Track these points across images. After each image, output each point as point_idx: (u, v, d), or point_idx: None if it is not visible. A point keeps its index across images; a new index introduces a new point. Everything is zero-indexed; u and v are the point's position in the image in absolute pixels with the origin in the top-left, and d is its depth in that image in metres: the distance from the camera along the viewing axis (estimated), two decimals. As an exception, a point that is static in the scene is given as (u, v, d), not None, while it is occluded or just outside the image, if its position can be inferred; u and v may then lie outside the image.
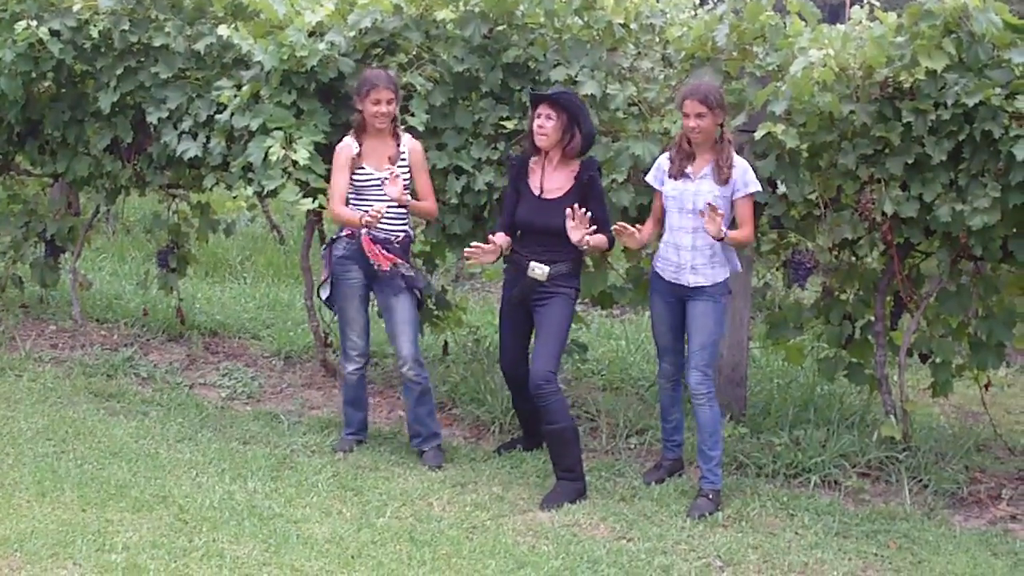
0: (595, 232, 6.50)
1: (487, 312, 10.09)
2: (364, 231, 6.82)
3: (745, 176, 6.39)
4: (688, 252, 6.45)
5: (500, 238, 6.71)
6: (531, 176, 6.72)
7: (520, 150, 7.11)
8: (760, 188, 6.44)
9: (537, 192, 6.67)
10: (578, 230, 6.44)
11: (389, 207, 6.81)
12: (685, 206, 6.44)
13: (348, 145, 6.88)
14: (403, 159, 6.89)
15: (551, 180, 6.65)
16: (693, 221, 6.43)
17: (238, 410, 7.87)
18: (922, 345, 7.14)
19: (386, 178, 6.75)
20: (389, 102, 6.76)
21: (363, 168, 6.85)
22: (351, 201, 6.91)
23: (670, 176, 6.51)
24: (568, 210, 6.45)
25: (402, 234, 6.94)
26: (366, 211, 6.71)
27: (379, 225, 6.79)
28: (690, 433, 7.18)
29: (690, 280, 6.47)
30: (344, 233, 6.97)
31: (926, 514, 6.58)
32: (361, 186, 6.87)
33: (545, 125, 6.55)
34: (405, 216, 6.95)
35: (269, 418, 7.66)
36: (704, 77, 6.81)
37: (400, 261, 6.86)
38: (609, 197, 7.03)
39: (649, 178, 6.68)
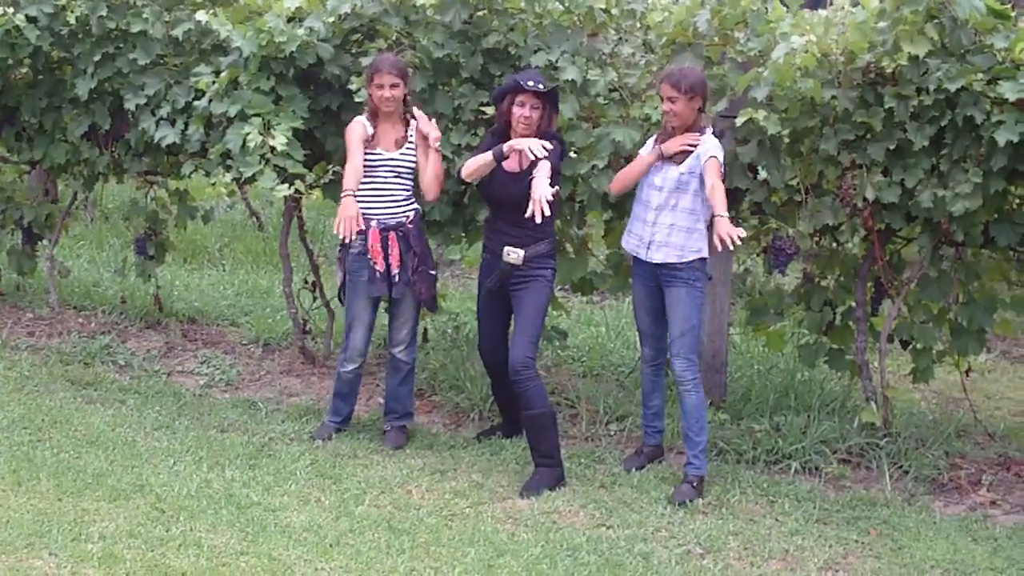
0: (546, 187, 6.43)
1: (467, 299, 10.05)
2: (374, 223, 6.83)
3: (701, 149, 6.38)
4: (649, 227, 6.51)
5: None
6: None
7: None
8: (720, 154, 6.38)
9: (510, 169, 6.65)
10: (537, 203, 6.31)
11: (394, 189, 6.87)
12: (653, 182, 6.51)
13: (360, 123, 6.89)
14: (411, 143, 6.88)
15: (523, 158, 6.62)
16: (656, 198, 6.48)
17: (216, 398, 7.83)
18: (903, 331, 7.14)
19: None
20: (393, 86, 6.76)
21: (380, 153, 6.86)
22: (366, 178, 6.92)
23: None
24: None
25: (412, 212, 6.94)
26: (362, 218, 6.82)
27: (388, 210, 6.87)
28: (671, 420, 7.18)
29: (651, 256, 6.51)
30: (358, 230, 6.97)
31: (906, 500, 6.58)
32: (370, 165, 6.87)
33: (531, 116, 6.55)
34: (411, 195, 6.95)
35: (247, 406, 7.62)
36: (685, 63, 6.79)
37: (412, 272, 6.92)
38: (589, 183, 7.03)
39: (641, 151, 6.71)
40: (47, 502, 5.98)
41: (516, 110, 6.57)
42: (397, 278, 6.90)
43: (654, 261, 6.52)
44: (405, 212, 6.91)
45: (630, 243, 6.67)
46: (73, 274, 9.75)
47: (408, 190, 6.92)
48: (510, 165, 6.66)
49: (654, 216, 6.49)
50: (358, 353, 7.11)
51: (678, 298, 6.52)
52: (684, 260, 6.48)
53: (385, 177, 6.87)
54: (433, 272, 7.03)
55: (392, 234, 6.87)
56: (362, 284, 6.96)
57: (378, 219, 6.87)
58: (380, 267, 6.87)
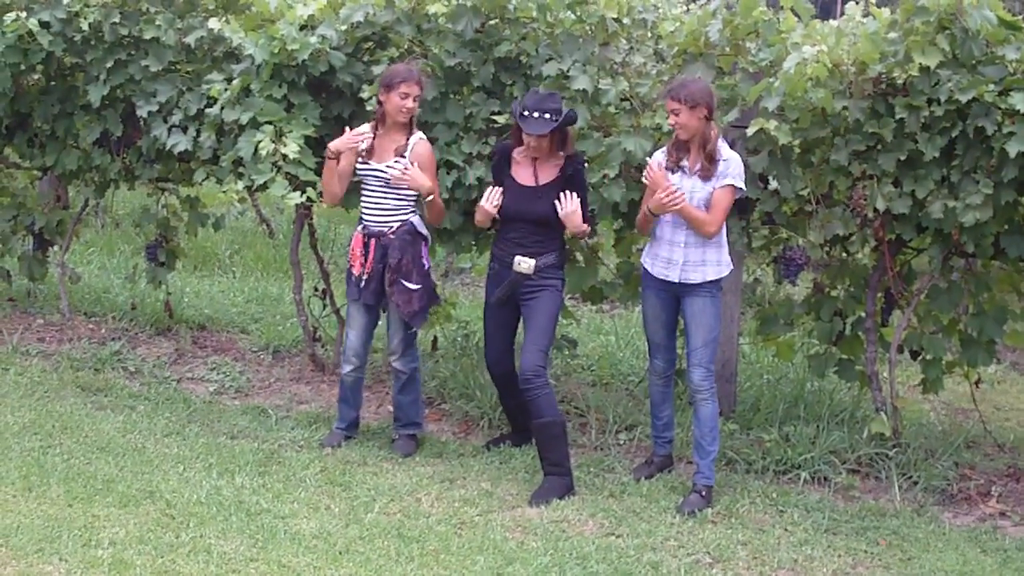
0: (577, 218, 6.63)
1: (476, 307, 10.01)
2: (360, 228, 6.89)
3: (727, 169, 6.35)
4: (681, 249, 6.43)
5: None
6: (515, 167, 6.74)
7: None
8: (737, 183, 6.36)
9: (525, 183, 6.68)
10: (570, 217, 6.54)
11: (381, 199, 6.85)
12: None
13: (364, 133, 6.87)
14: (404, 156, 6.85)
15: (539, 172, 6.68)
16: None
17: (226, 404, 7.83)
18: (913, 342, 7.14)
19: (390, 166, 6.79)
20: (415, 98, 6.78)
21: (368, 163, 6.87)
22: (361, 187, 6.95)
23: (667, 169, 6.47)
24: (557, 201, 6.52)
25: (398, 223, 6.86)
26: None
27: (372, 218, 6.87)
28: (680, 429, 7.17)
29: (681, 277, 6.45)
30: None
31: (916, 511, 6.57)
32: (365, 176, 6.91)
33: (540, 144, 6.58)
34: (405, 207, 6.90)
35: (257, 412, 7.63)
36: (696, 73, 6.79)
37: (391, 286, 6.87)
38: (600, 192, 7.01)
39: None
40: (57, 508, 5.99)
41: (524, 136, 6.61)
42: (363, 284, 6.91)
43: (692, 282, 6.45)
44: (390, 222, 6.87)
45: (656, 268, 6.55)
46: (84, 280, 9.77)
47: (399, 199, 6.85)
48: (524, 179, 6.68)
49: (684, 236, 6.42)
50: (353, 354, 7.13)
51: (701, 308, 6.49)
52: (722, 275, 6.48)
53: (372, 186, 6.88)
54: (415, 287, 6.86)
55: (373, 241, 6.88)
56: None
57: (365, 224, 6.90)
58: (355, 271, 6.91)
